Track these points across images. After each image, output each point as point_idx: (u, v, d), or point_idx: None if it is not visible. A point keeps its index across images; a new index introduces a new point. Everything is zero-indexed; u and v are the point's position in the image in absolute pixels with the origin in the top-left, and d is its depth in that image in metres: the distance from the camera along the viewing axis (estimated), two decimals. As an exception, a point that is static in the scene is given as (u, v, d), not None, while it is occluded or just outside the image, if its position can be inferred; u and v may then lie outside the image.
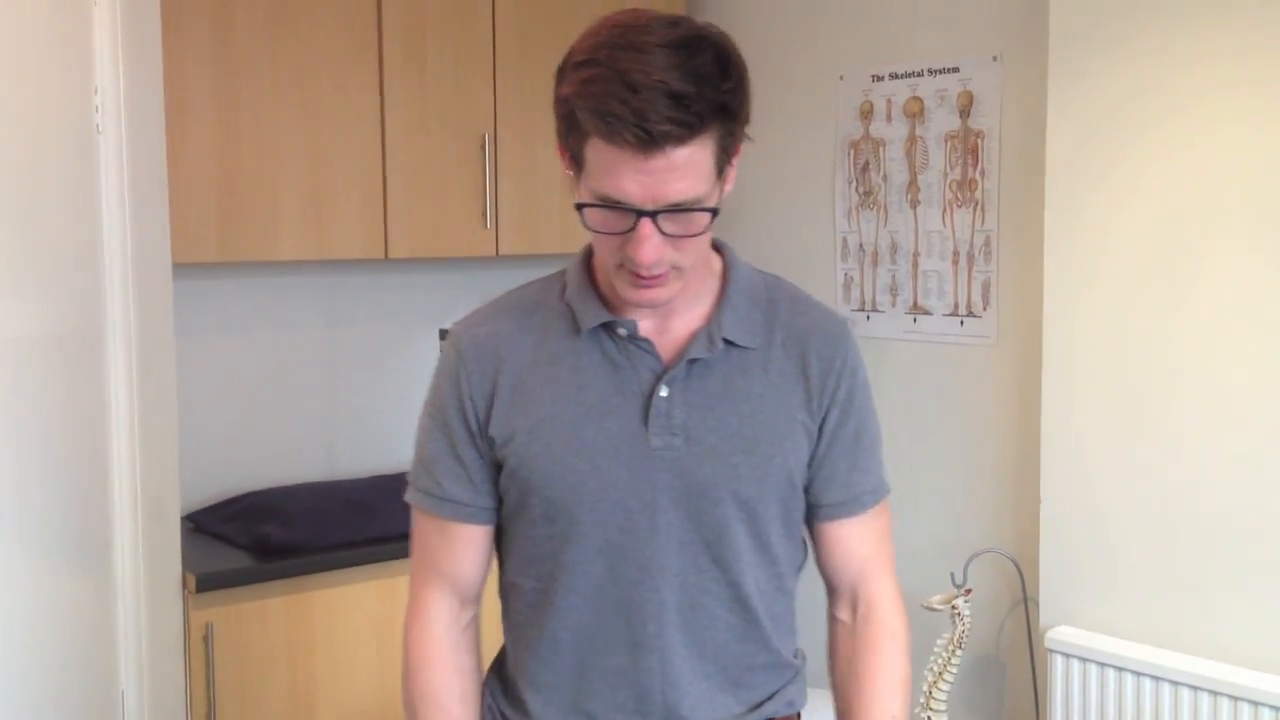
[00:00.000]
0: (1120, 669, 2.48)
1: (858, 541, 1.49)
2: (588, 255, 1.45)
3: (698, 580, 1.40)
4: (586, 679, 1.42)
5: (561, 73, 1.30)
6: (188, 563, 2.55)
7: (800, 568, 1.52)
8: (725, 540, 1.40)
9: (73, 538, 2.25)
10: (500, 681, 1.52)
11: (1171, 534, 2.46)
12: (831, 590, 1.52)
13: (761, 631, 1.45)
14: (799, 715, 1.53)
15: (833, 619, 1.53)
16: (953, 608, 2.69)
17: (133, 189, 2.33)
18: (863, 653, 1.48)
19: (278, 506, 2.86)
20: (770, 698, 1.48)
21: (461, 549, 1.46)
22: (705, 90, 1.23)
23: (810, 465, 1.45)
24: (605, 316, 1.40)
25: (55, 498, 2.18)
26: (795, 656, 1.53)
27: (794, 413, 1.42)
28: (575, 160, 1.30)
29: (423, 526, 1.49)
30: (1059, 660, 2.57)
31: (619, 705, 1.41)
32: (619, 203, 1.27)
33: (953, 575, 2.75)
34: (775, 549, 1.45)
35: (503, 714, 1.50)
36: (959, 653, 2.69)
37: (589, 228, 1.32)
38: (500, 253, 3.12)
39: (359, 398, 3.25)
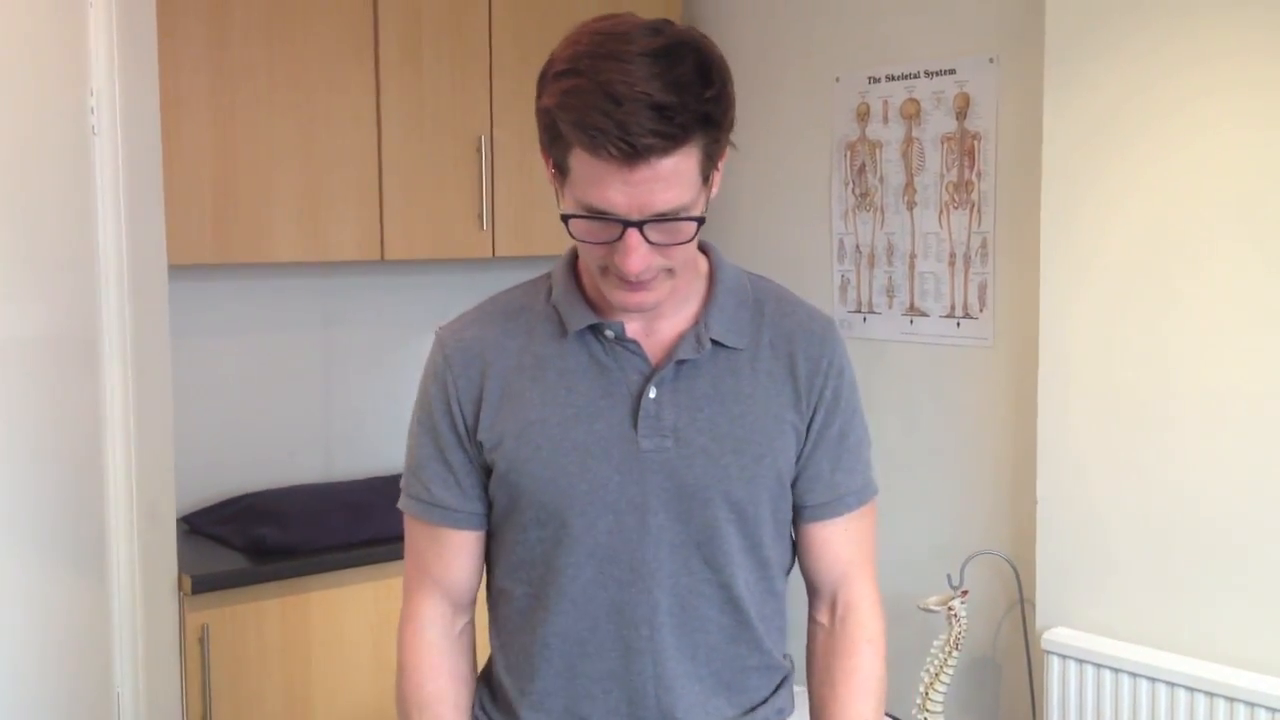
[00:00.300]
0: (1117, 670, 2.48)
1: (841, 544, 1.48)
2: (573, 258, 1.44)
3: (689, 582, 1.40)
4: (579, 684, 1.41)
5: (542, 81, 1.29)
6: (183, 564, 2.54)
7: (789, 569, 1.51)
8: (716, 541, 1.39)
9: (67, 540, 2.25)
10: (489, 690, 1.51)
11: (1167, 535, 2.46)
12: (812, 591, 1.52)
13: (753, 633, 1.45)
14: None
15: (812, 620, 1.52)
16: (949, 609, 2.68)
17: (128, 190, 2.32)
18: (839, 656, 1.48)
19: (274, 508, 2.85)
20: (762, 703, 1.48)
21: (452, 555, 1.46)
22: (688, 100, 1.22)
23: (796, 465, 1.45)
24: (592, 319, 1.40)
25: (49, 500, 2.17)
26: (785, 659, 1.53)
27: (783, 412, 1.42)
28: (559, 168, 1.30)
29: (414, 533, 1.48)
30: (1055, 662, 2.57)
31: (612, 709, 1.41)
32: (605, 213, 1.26)
33: (949, 577, 2.75)
34: (766, 549, 1.44)
35: None
36: (955, 654, 2.69)
37: (575, 237, 1.32)
38: (497, 254, 3.12)
39: (355, 399, 3.25)
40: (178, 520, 2.58)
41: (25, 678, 2.11)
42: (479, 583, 1.50)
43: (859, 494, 1.48)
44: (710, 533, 1.39)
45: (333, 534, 2.76)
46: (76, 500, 2.28)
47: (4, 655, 2.05)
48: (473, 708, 1.50)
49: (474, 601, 1.50)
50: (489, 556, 1.49)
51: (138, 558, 2.39)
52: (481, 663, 1.55)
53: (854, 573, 1.49)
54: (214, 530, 2.83)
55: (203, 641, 2.54)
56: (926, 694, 2.69)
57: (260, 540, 2.69)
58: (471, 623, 1.51)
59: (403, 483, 1.49)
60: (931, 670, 2.70)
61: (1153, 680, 2.43)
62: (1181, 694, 2.39)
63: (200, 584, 2.55)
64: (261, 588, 2.64)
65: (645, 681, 1.40)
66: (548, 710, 1.43)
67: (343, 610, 2.73)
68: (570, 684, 1.41)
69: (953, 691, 2.84)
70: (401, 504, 1.49)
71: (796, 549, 1.51)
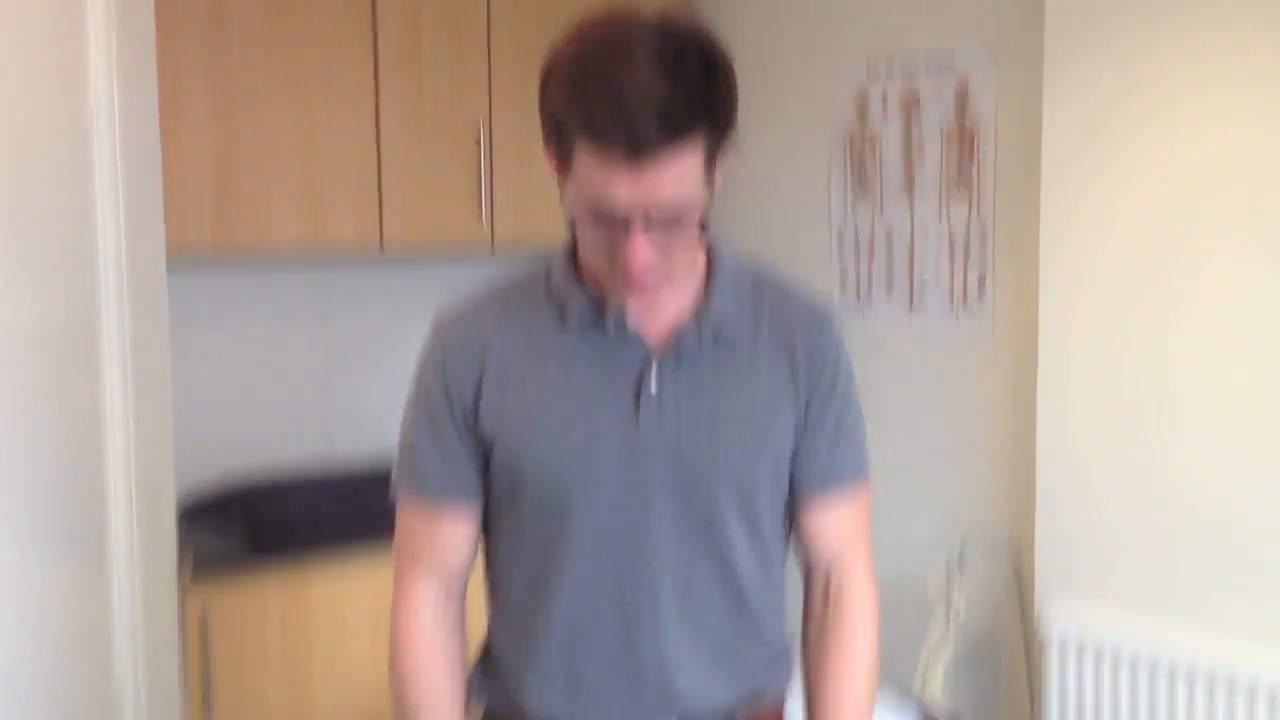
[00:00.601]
0: (1116, 647, 2.49)
1: (835, 527, 1.49)
2: (571, 247, 1.45)
3: (691, 564, 1.41)
4: (579, 665, 1.42)
5: (547, 76, 1.29)
6: (184, 552, 2.55)
7: (786, 554, 1.52)
8: (717, 525, 1.41)
9: (66, 528, 2.25)
10: (486, 677, 1.52)
11: (1166, 518, 2.47)
12: (806, 574, 1.53)
13: (753, 615, 1.46)
14: (784, 695, 1.54)
15: (805, 603, 1.54)
16: (948, 588, 2.69)
17: (126, 180, 2.32)
18: (833, 636, 1.49)
19: (274, 496, 2.87)
20: (760, 676, 1.49)
21: (446, 536, 1.46)
22: (694, 99, 1.23)
23: (793, 448, 1.46)
24: (591, 309, 1.40)
25: (48, 488, 2.17)
26: (784, 642, 1.54)
27: (782, 397, 1.43)
28: (562, 162, 1.31)
29: (407, 516, 1.49)
30: (1054, 640, 2.58)
31: (613, 682, 1.42)
32: (609, 209, 1.27)
33: (948, 556, 2.76)
34: (765, 533, 1.46)
35: (491, 709, 1.50)
36: (955, 631, 2.70)
37: (578, 234, 1.33)
38: (496, 244, 3.12)
39: (356, 389, 3.25)
40: (178, 509, 2.59)
41: (20, 666, 2.11)
42: (472, 565, 1.50)
43: (854, 477, 1.49)
44: (712, 516, 1.40)
45: (333, 521, 2.77)
46: (74, 489, 2.28)
47: (2, 642, 2.05)
48: (469, 689, 1.51)
49: (465, 584, 1.51)
50: (488, 541, 1.50)
51: (137, 546, 2.39)
52: (475, 646, 1.56)
53: (848, 555, 1.50)
54: (214, 519, 2.83)
55: (203, 628, 2.55)
56: (926, 672, 2.70)
57: (260, 528, 2.70)
58: (463, 605, 1.51)
59: (395, 467, 1.50)
60: (931, 646, 2.71)
61: (1153, 656, 2.44)
62: (1181, 670, 2.40)
63: (201, 571, 2.57)
64: (262, 575, 2.65)
65: (646, 662, 1.41)
66: (550, 688, 1.43)
67: (343, 596, 2.73)
68: (571, 664, 1.42)
69: (952, 668, 2.85)
70: (395, 487, 1.49)
71: (792, 531, 1.52)
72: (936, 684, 2.70)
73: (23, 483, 2.09)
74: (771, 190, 3.34)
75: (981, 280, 2.90)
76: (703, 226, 1.31)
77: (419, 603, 1.47)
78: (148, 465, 2.40)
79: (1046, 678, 2.60)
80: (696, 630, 1.43)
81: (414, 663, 1.46)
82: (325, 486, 3.00)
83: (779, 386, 1.43)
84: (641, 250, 1.28)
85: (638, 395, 1.38)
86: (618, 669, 1.42)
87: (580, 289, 1.41)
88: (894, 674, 2.63)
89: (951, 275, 2.96)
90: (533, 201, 3.15)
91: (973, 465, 2.95)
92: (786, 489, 1.47)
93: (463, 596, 1.51)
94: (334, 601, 2.73)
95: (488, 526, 1.49)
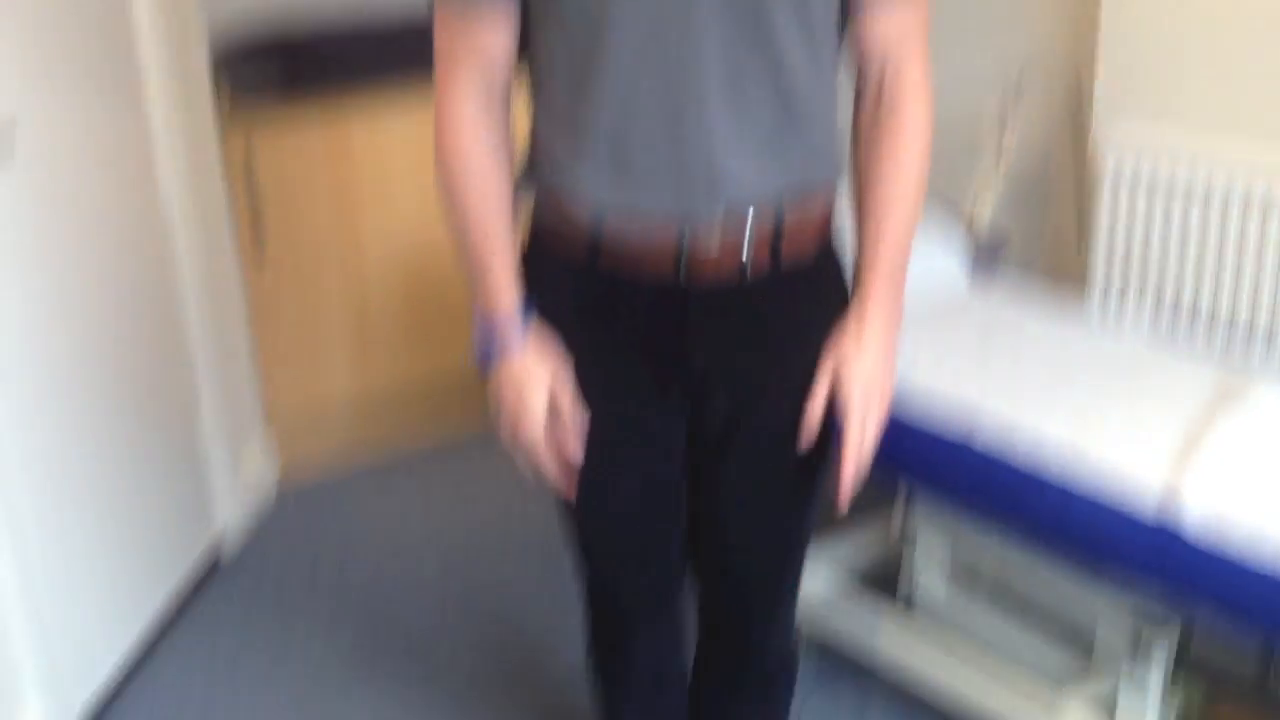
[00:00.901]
0: (1171, 174, 2.46)
1: (892, 17, 1.43)
2: None
3: (739, 61, 1.36)
4: (627, 155, 1.40)
5: None
6: (220, 91, 2.55)
7: (839, 63, 1.47)
8: (766, 16, 1.35)
9: (97, 63, 2.22)
10: (533, 169, 1.51)
11: (1234, 37, 2.38)
12: (859, 76, 1.48)
13: (803, 116, 1.42)
14: (834, 193, 1.52)
15: (857, 104, 1.49)
16: (1003, 117, 2.65)
17: None
18: (886, 135, 1.45)
19: (309, 38, 2.86)
20: (809, 171, 1.47)
21: (486, 28, 1.42)
22: None
23: None
24: None
25: (73, 22, 2.13)
26: (836, 143, 1.50)
27: None
28: None
29: (446, 13, 1.44)
30: (1108, 167, 2.56)
31: (660, 171, 1.41)
32: None
33: (1005, 86, 2.70)
34: (818, 29, 1.39)
35: (541, 199, 1.50)
36: (1007, 161, 2.67)
37: None
38: None
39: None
40: (214, 53, 2.57)
41: (79, 203, 2.14)
42: (513, 63, 1.47)
43: None
44: (759, 5, 1.34)
45: (369, 62, 2.77)
46: (101, 22, 2.23)
47: (52, 184, 2.07)
48: (518, 182, 1.51)
49: (509, 82, 1.48)
50: (526, 40, 1.46)
51: (173, 80, 2.39)
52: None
53: (905, 51, 1.44)
54: (251, 61, 2.82)
55: (247, 165, 2.59)
56: (976, 197, 2.70)
57: (298, 68, 2.72)
58: (508, 101, 1.49)
59: None
60: (983, 174, 2.70)
61: (1207, 180, 2.41)
62: (1237, 194, 2.37)
63: (240, 110, 2.58)
64: (302, 114, 2.66)
65: (693, 152, 1.39)
66: (599, 179, 1.42)
67: (384, 133, 2.76)
68: (618, 155, 1.41)
69: (1003, 196, 2.85)
70: None
71: (847, 27, 1.45)
72: (985, 211, 2.70)
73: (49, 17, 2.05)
74: None
75: None
76: None
77: (462, 98, 1.45)
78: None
79: (1097, 205, 2.58)
80: (743, 125, 1.39)
81: (461, 157, 1.46)
82: (360, 28, 2.97)
83: None
84: None
85: None
86: (665, 159, 1.40)
87: None
88: (943, 202, 2.63)
89: None
90: None
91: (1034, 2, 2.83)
92: None
93: (507, 91, 1.48)
94: (375, 138, 2.75)
95: (526, 24, 1.44)
